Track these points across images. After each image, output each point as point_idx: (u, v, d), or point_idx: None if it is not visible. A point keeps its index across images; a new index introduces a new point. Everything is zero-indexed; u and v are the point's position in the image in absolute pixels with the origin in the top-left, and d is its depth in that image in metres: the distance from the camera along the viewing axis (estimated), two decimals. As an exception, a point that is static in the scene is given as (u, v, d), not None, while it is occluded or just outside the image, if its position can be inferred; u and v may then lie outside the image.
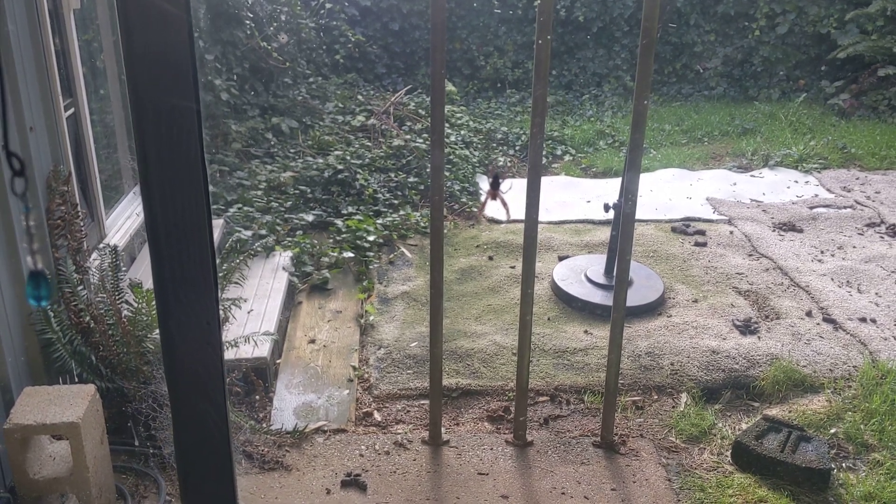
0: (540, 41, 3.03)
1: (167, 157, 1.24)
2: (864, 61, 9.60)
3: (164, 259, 1.30)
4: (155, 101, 1.20)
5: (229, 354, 3.93)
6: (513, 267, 5.41)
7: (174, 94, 1.19)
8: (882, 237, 6.03)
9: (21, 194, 1.02)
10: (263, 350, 4.07)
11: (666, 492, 3.35)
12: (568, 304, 4.94)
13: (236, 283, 4.15)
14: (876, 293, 5.08)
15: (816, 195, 6.98)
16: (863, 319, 4.73)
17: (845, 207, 6.64)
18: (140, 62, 1.17)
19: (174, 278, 1.31)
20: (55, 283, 3.38)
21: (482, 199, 6.72)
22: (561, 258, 5.56)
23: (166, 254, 1.29)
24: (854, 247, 5.84)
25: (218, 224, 5.60)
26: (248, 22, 7.25)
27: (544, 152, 7.82)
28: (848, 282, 5.24)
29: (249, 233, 5.48)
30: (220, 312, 1.93)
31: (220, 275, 3.92)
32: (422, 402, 3.97)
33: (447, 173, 6.81)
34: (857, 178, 7.36)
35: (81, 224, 3.61)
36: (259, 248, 4.99)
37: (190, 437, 1.46)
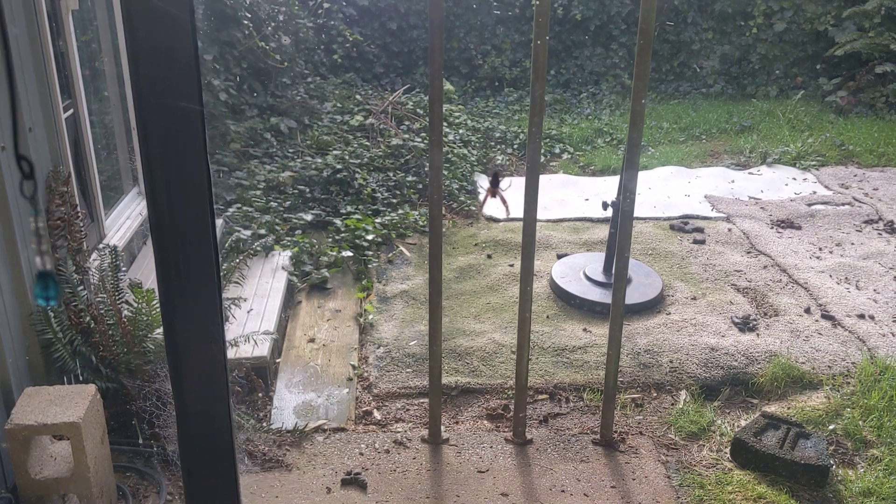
0: (538, 41, 3.04)
1: (171, 157, 1.25)
2: (862, 58, 9.62)
3: (169, 258, 1.31)
4: (159, 101, 1.22)
5: (229, 354, 3.93)
6: (511, 265, 5.42)
7: (178, 96, 1.20)
8: (880, 234, 6.05)
9: (31, 197, 1.03)
10: (263, 349, 4.08)
11: (665, 489, 3.36)
12: (567, 301, 4.95)
13: (236, 282, 4.16)
14: (874, 290, 5.09)
15: (814, 192, 7.00)
16: (861, 316, 4.74)
17: (843, 204, 6.66)
18: (144, 63, 1.18)
19: (178, 277, 1.33)
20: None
21: (481, 197, 6.73)
22: (559, 256, 5.57)
23: (171, 253, 1.30)
24: (852, 243, 5.85)
25: (217, 224, 5.60)
26: (246, 22, 7.25)
27: (542, 150, 7.84)
28: (846, 278, 5.25)
29: (249, 232, 5.48)
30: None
31: (221, 274, 3.93)
32: (421, 400, 3.98)
33: (445, 172, 6.82)
34: (855, 175, 7.38)
35: (81, 224, 3.62)
36: (258, 248, 5.00)
37: (194, 433, 1.47)
